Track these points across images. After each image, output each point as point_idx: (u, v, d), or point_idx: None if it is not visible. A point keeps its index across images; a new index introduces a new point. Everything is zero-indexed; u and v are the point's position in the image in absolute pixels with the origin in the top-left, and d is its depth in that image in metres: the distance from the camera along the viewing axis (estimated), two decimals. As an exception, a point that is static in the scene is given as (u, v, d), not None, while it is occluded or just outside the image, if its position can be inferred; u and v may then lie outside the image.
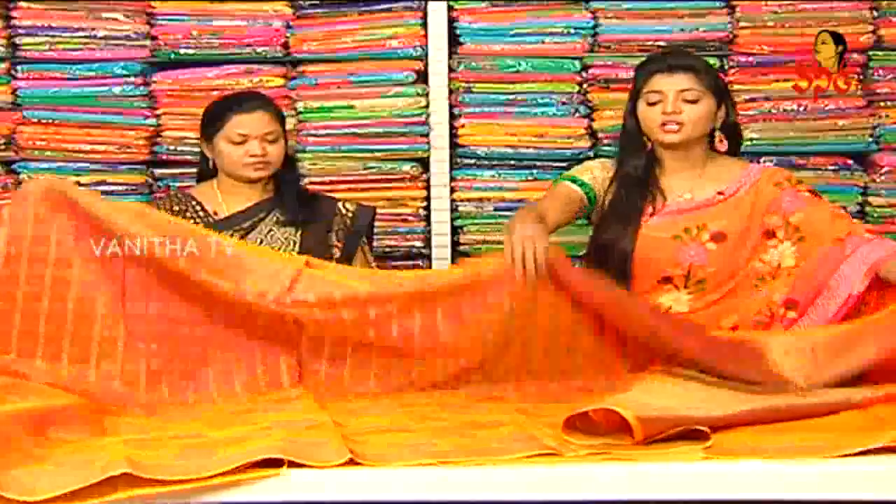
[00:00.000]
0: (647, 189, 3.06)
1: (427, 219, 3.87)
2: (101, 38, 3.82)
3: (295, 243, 3.16)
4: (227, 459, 2.14)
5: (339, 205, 3.27)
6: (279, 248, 3.12)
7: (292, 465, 2.15)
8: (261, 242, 3.13)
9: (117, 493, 2.05)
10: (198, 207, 3.21)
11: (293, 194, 3.23)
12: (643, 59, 3.28)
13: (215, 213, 3.19)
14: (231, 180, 3.20)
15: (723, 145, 3.09)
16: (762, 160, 3.75)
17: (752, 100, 3.82)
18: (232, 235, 3.07)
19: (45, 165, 3.82)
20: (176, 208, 3.19)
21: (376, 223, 3.40)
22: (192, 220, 3.12)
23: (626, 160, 3.11)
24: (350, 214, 3.25)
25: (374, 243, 3.44)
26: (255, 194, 3.21)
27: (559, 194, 3.09)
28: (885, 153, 3.83)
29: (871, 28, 3.81)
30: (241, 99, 3.27)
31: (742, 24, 3.82)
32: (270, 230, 3.18)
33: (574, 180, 3.13)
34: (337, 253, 3.20)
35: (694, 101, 3.00)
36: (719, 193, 3.06)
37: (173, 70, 3.84)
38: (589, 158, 3.70)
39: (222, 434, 2.36)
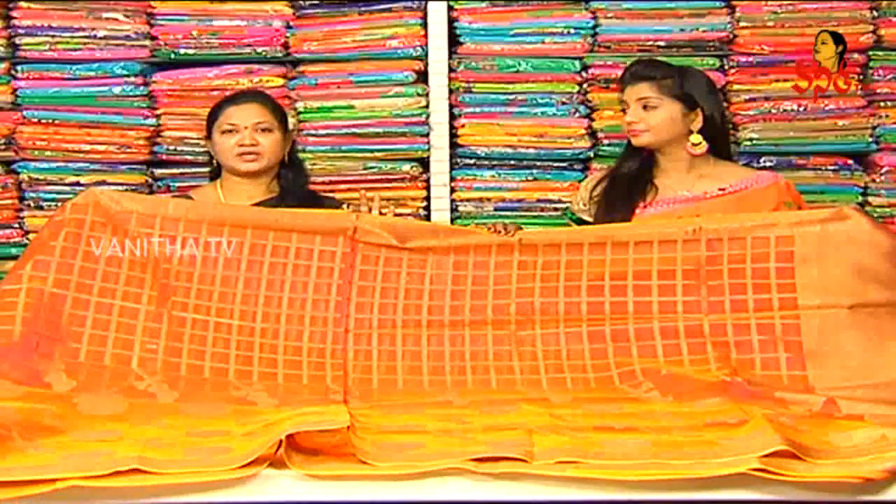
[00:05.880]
0: (639, 185, 3.13)
1: (427, 219, 3.86)
2: (101, 38, 3.82)
3: None
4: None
5: (343, 207, 3.28)
6: None
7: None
8: None
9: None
10: None
11: (296, 194, 3.24)
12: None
13: None
14: (233, 178, 3.22)
15: (696, 148, 3.15)
16: (762, 160, 3.76)
17: (752, 100, 3.82)
18: None
19: (45, 165, 3.82)
20: None
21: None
22: None
23: (623, 162, 3.27)
24: None
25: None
26: (258, 193, 3.22)
27: None
28: (885, 153, 3.83)
29: (871, 28, 3.81)
30: (236, 94, 3.37)
31: (742, 24, 3.82)
32: None
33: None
34: None
35: (653, 108, 3.13)
36: (721, 189, 3.10)
37: (173, 70, 3.84)
38: (589, 158, 3.80)
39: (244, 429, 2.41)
